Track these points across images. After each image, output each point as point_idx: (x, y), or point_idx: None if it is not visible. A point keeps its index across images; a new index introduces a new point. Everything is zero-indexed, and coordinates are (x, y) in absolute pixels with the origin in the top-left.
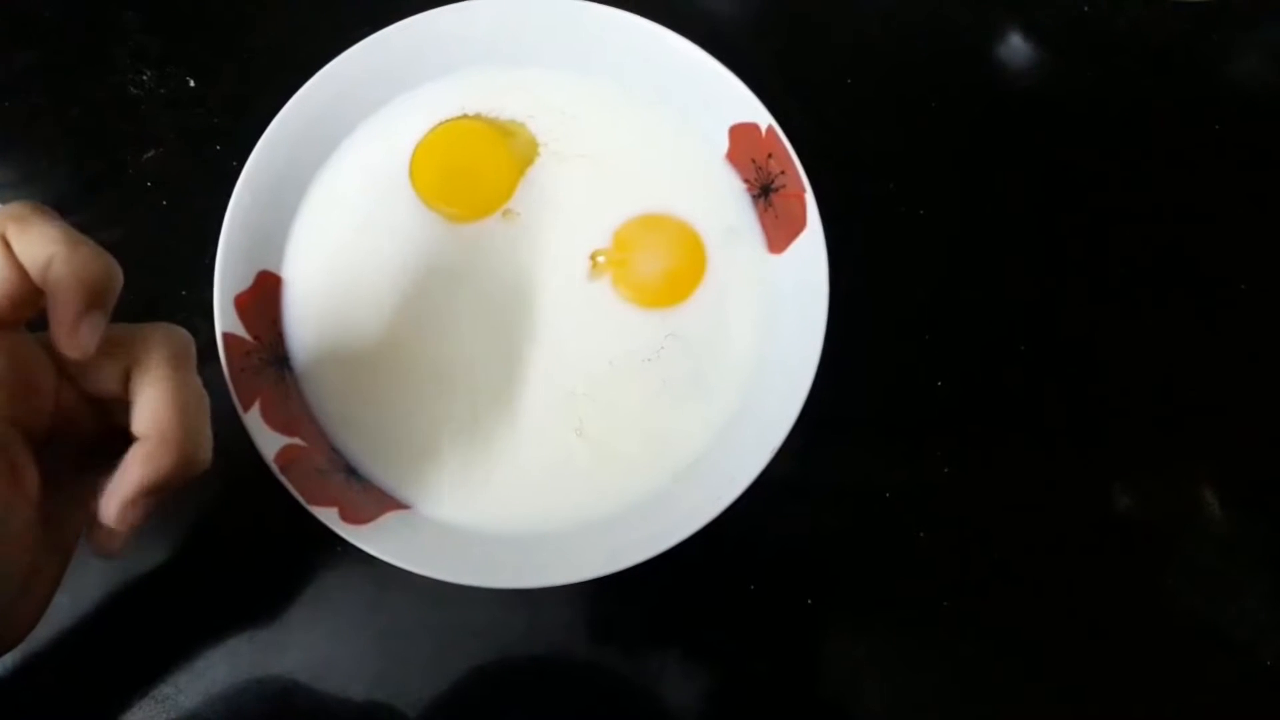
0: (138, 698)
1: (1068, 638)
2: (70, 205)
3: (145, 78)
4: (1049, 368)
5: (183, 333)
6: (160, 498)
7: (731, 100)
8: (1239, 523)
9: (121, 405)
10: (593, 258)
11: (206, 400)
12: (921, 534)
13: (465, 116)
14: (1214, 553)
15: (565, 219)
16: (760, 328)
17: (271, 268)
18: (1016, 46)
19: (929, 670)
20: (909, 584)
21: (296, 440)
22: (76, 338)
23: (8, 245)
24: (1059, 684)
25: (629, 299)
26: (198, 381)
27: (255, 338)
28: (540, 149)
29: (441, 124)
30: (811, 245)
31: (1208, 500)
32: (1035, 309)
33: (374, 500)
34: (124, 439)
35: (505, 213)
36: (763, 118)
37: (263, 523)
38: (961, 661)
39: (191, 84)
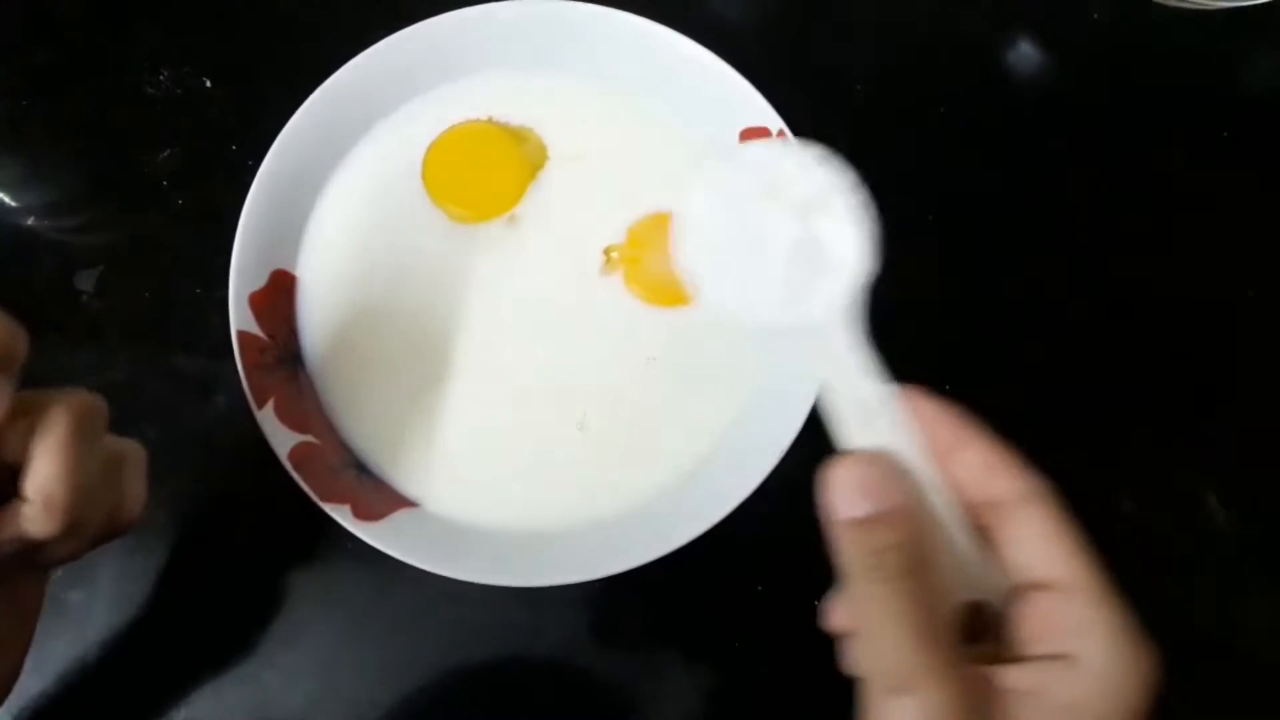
0: (142, 694)
1: None
2: (85, 204)
3: (161, 78)
4: (1055, 372)
5: (89, 401)
6: (53, 557)
7: (742, 105)
8: (1242, 528)
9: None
10: (606, 252)
11: (141, 457)
12: None
13: (478, 120)
14: (1217, 557)
15: (575, 221)
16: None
17: (286, 266)
18: (1027, 54)
19: None
20: None
21: (309, 437)
22: None
23: None
24: None
25: (639, 296)
26: (111, 448)
27: (269, 335)
28: (550, 153)
29: (454, 126)
30: None
31: (1211, 505)
32: (1043, 313)
33: (385, 497)
34: None
35: (512, 217)
36: (773, 122)
37: (273, 519)
38: None
39: (207, 84)
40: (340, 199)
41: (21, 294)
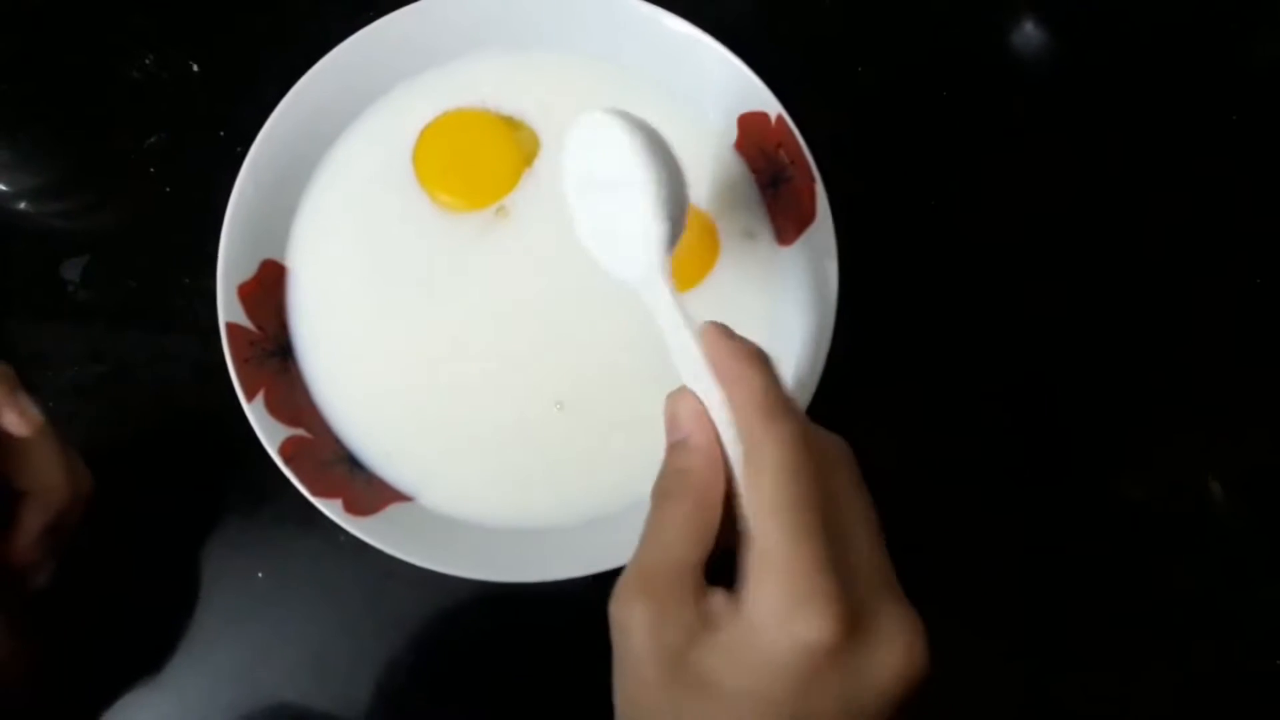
0: (135, 686)
1: (1076, 636)
2: (72, 189)
3: (147, 61)
4: (1059, 358)
5: None
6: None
7: (741, 88)
8: (1245, 513)
9: None
10: None
11: (39, 425)
12: (930, 529)
13: (471, 108)
14: (1222, 545)
15: (567, 208)
16: (767, 320)
17: (275, 256)
18: (1030, 34)
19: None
20: (915, 581)
21: (300, 431)
22: None
23: None
24: (1066, 680)
25: None
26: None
27: (259, 327)
28: (542, 140)
29: (447, 113)
30: (821, 237)
31: (1214, 491)
32: (1047, 298)
33: (377, 491)
34: None
35: (502, 208)
36: (772, 106)
37: (265, 513)
38: (966, 659)
39: (195, 68)
40: (331, 186)
41: (7, 284)
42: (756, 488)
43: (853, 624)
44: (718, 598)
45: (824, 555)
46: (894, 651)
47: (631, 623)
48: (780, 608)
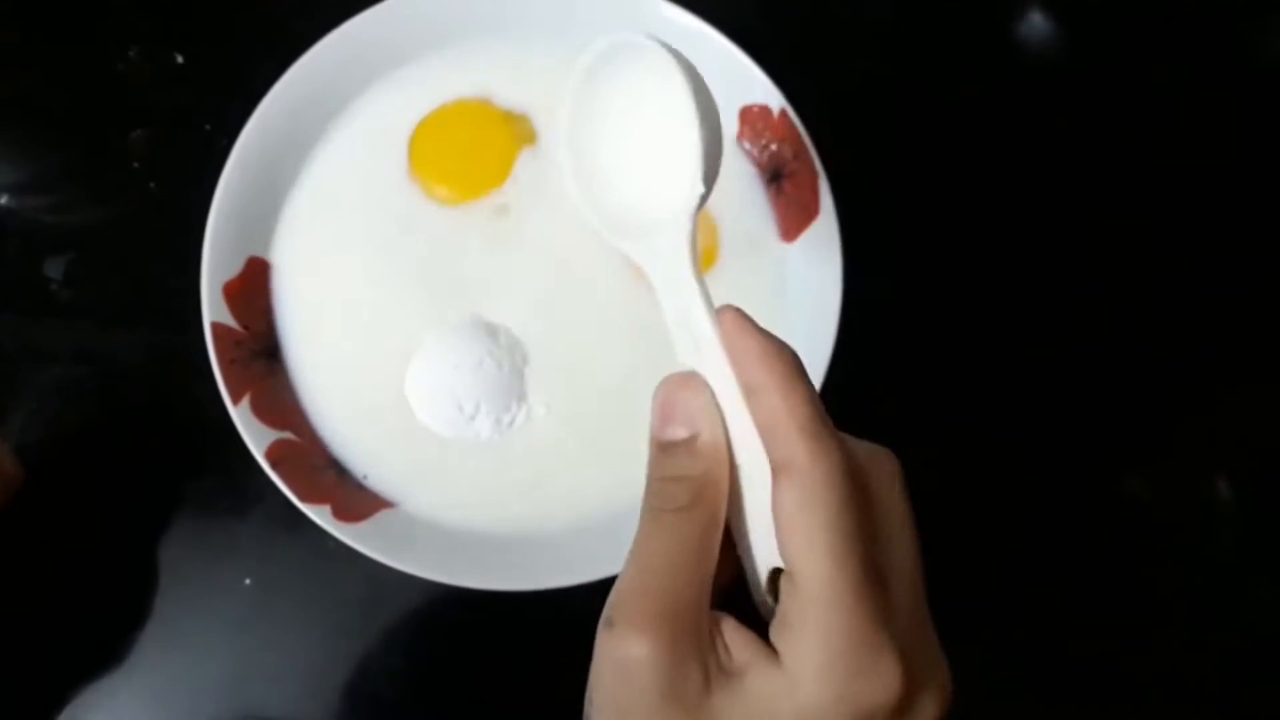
0: (120, 693)
1: (1077, 636)
2: (54, 186)
3: (131, 54)
4: (1063, 354)
5: None
6: None
7: (743, 80)
8: (1251, 513)
9: None
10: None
11: None
12: (932, 527)
13: (465, 99)
14: (1225, 543)
15: (564, 204)
16: (769, 318)
17: (262, 253)
18: (1037, 24)
19: None
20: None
21: (288, 435)
22: None
23: None
24: (1068, 681)
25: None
26: None
27: (245, 327)
28: (540, 132)
29: (444, 105)
30: (825, 233)
31: (1220, 488)
32: (1052, 292)
33: (366, 497)
34: None
35: (496, 209)
36: (775, 100)
37: (253, 519)
38: (966, 659)
39: (180, 60)
40: (318, 180)
41: None
42: (803, 526)
43: (909, 684)
44: (735, 635)
45: (881, 607)
46: (936, 702)
47: (637, 661)
48: (832, 664)
